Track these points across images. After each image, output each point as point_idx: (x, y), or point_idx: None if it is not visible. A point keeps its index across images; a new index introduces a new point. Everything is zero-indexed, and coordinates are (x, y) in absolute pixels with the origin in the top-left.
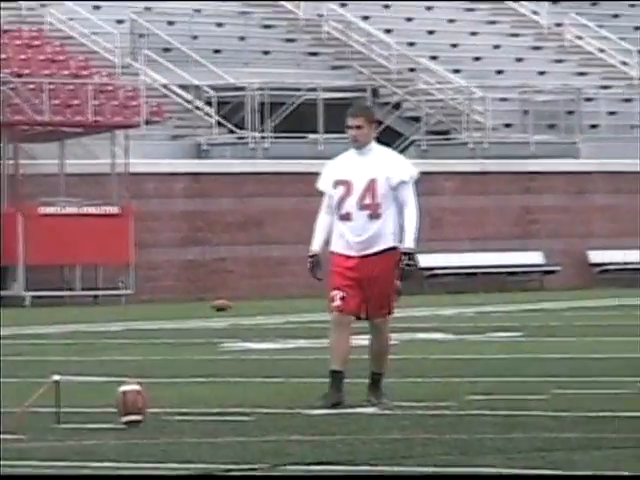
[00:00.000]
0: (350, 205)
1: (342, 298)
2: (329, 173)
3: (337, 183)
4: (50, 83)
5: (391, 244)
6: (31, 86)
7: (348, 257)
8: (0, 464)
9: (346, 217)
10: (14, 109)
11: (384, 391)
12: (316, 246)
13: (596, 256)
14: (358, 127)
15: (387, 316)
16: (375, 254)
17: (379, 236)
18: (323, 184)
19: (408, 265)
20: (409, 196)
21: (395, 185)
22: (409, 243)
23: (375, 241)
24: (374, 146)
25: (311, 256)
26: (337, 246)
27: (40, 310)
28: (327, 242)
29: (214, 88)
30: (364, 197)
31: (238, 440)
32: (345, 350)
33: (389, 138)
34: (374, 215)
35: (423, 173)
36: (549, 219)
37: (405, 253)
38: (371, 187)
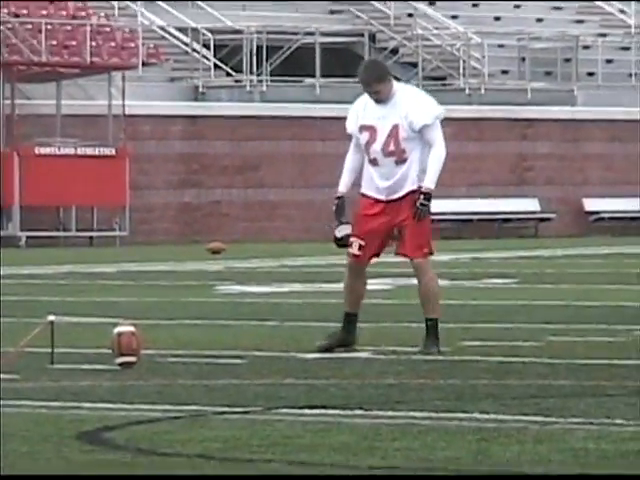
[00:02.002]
0: (375, 151)
1: (360, 247)
2: (354, 115)
3: (362, 128)
4: (47, 24)
5: (415, 186)
6: (29, 26)
7: (375, 202)
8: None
9: (374, 162)
10: (11, 49)
11: (436, 339)
12: (342, 187)
13: (591, 204)
14: (376, 92)
15: (427, 256)
16: (401, 197)
17: (405, 179)
18: (350, 126)
19: (422, 204)
20: (435, 137)
21: (419, 129)
22: (427, 183)
23: (401, 185)
24: (396, 89)
25: (337, 197)
26: (367, 188)
27: (35, 250)
28: (354, 183)
29: (212, 31)
30: (388, 143)
31: (232, 382)
32: (359, 293)
33: None
34: (400, 160)
35: None
36: (545, 166)
37: (421, 192)
38: (394, 133)
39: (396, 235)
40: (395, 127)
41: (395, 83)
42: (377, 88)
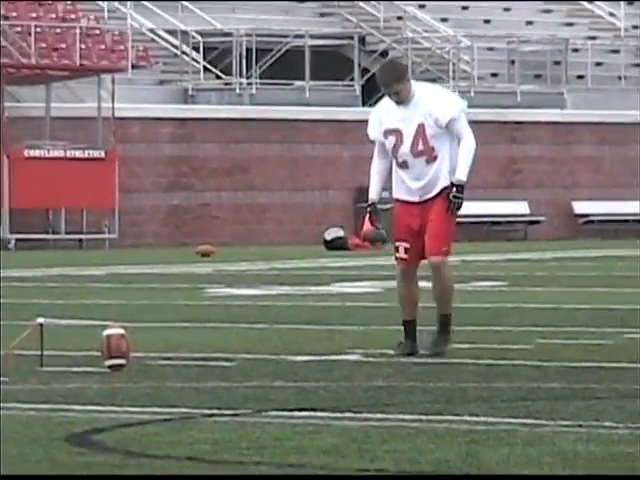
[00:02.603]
0: (404, 153)
1: (406, 249)
2: (376, 121)
3: (387, 132)
4: (37, 26)
5: (448, 183)
6: (18, 29)
7: (411, 204)
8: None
9: (404, 165)
10: (1, 52)
11: (448, 334)
12: (373, 194)
13: (580, 207)
14: (396, 93)
15: (446, 255)
16: (435, 196)
17: (437, 178)
18: (372, 132)
19: (455, 197)
20: (462, 129)
21: (445, 124)
22: (459, 174)
23: (434, 184)
24: (415, 88)
25: (369, 205)
26: (399, 193)
27: (24, 253)
28: (384, 188)
29: (201, 33)
30: (416, 144)
31: (221, 385)
32: (414, 299)
33: (376, 86)
34: (430, 159)
35: None
36: (534, 169)
37: (453, 185)
38: (420, 132)
39: None
40: (421, 126)
41: (414, 83)
42: (397, 89)
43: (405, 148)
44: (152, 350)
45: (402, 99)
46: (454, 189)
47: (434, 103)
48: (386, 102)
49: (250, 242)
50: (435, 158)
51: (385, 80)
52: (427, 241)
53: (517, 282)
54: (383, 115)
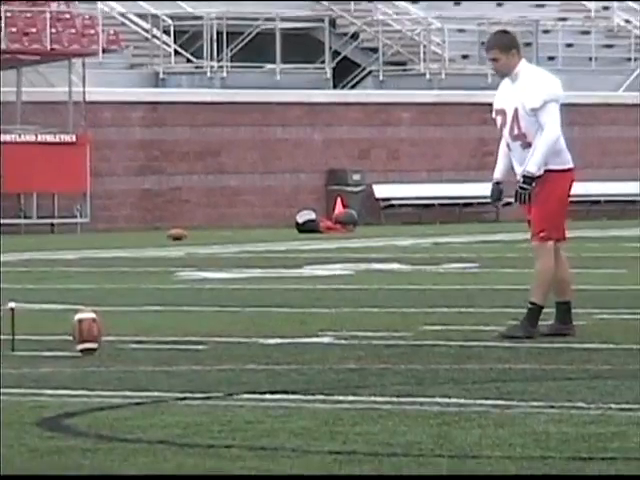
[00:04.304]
0: (506, 135)
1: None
2: (495, 100)
3: (496, 112)
4: (7, 11)
5: (542, 170)
6: None
7: None
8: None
9: (509, 147)
10: None
11: (528, 324)
12: (497, 173)
13: None
14: (494, 60)
15: (544, 240)
16: None
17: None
18: (493, 112)
19: (520, 187)
20: (545, 120)
21: (529, 112)
22: (529, 166)
23: None
24: (521, 69)
25: (495, 183)
26: (517, 175)
27: None
28: (508, 168)
29: (172, 17)
30: (513, 127)
31: (193, 369)
32: (556, 279)
33: (346, 68)
34: (524, 145)
35: (380, 104)
36: None
37: (522, 174)
38: (515, 116)
39: None
40: (516, 110)
41: (523, 63)
42: (495, 55)
43: (506, 130)
44: (124, 334)
45: (498, 70)
46: (521, 180)
47: (526, 89)
48: (503, 83)
49: (221, 225)
50: (529, 145)
51: (490, 43)
52: (532, 229)
53: (488, 264)
54: (498, 94)
